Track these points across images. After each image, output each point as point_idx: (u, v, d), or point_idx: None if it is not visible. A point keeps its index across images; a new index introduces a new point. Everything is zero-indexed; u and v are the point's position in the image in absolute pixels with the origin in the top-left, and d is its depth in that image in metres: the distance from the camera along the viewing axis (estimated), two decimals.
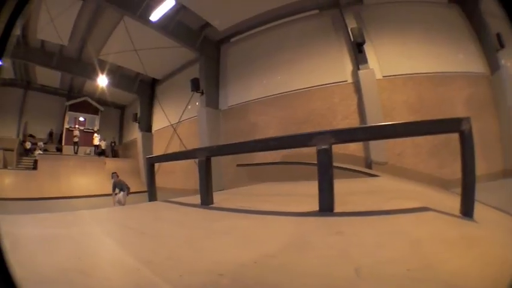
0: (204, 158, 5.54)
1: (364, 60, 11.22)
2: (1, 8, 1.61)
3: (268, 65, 13.06)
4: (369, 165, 10.66)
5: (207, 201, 5.31)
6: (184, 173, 14.65)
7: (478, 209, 3.69)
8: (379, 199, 4.60)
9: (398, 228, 3.05)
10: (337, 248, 2.51)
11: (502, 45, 12.09)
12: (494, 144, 11.71)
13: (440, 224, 3.22)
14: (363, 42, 11.15)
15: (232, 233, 3.36)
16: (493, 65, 12.38)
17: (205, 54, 14.80)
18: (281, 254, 2.44)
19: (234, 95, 14.12)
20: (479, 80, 12.32)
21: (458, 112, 11.14)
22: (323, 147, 3.91)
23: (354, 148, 10.61)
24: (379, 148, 10.52)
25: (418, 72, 11.62)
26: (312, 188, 4.27)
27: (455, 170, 10.35)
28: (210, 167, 5.57)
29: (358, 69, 11.21)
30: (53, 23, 13.58)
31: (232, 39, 14.62)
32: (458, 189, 7.93)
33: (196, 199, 5.60)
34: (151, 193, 7.25)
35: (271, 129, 12.12)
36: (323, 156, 3.93)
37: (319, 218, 3.66)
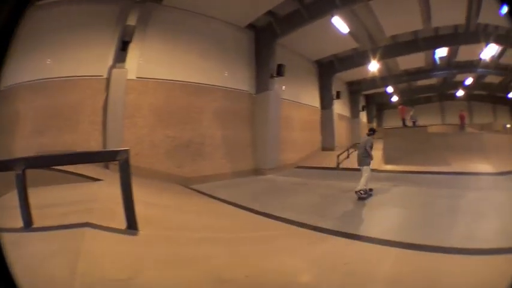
0: None
1: (123, 59, 11.09)
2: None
3: (48, 44, 10.91)
4: (106, 165, 10.42)
5: None
6: None
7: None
8: (66, 211, 4.63)
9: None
10: None
11: (280, 74, 14.93)
12: (246, 149, 14.50)
13: (93, 240, 3.44)
14: (129, 41, 10.95)
15: None
16: (262, 87, 14.92)
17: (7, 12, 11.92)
18: None
19: (13, 73, 10.96)
20: (241, 96, 14.55)
21: (206, 119, 13.11)
22: (17, 172, 4.15)
23: (95, 145, 10.34)
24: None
25: (174, 79, 12.33)
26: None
27: (194, 169, 11.82)
28: None
29: (115, 66, 11.00)
30: None
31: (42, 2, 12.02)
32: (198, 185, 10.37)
33: None
34: None
35: (29, 122, 10.65)
36: (18, 179, 4.15)
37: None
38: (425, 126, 20.27)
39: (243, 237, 4.95)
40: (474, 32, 18.78)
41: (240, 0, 12.97)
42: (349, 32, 16.69)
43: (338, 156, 16.33)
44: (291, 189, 11.35)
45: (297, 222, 6.22)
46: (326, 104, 22.11)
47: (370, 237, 5.34)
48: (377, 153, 16.18)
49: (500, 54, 22.26)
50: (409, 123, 23.76)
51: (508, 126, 29.14)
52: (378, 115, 36.86)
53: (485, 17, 16.96)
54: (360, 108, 29.59)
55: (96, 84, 10.94)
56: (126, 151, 4.34)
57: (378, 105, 36.02)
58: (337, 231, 5.65)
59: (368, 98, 33.07)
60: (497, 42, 19.54)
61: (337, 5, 13.59)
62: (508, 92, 29.09)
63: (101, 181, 8.33)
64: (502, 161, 13.98)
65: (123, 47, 11.01)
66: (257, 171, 14.53)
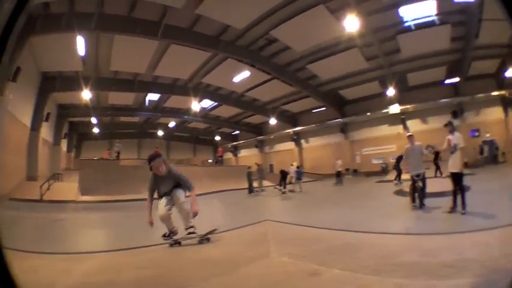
0: None
1: None
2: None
3: None
4: None
5: None
6: None
7: None
8: None
9: None
10: None
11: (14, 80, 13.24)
12: None
13: None
14: None
15: None
16: None
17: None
18: None
19: None
20: None
21: None
22: None
23: None
24: None
25: None
26: None
27: None
28: None
29: None
30: None
31: None
32: None
33: None
34: None
35: None
36: None
37: None
38: (118, 159, 22.79)
39: None
40: (191, 87, 23.50)
41: None
42: (84, 55, 17.27)
43: (41, 186, 15.36)
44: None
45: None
46: (36, 125, 19.32)
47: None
48: (73, 185, 17.22)
49: (214, 107, 29.03)
50: (112, 155, 25.87)
51: (210, 160, 38.01)
52: (77, 145, 35.51)
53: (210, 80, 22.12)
54: (63, 135, 27.67)
55: None
56: None
57: (79, 135, 34.81)
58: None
59: (72, 126, 31.70)
60: (213, 99, 25.97)
61: (92, 26, 14.24)
62: (215, 136, 38.40)
63: None
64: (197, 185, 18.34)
65: None
66: None
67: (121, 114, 30.71)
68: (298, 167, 20.13)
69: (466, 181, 8.66)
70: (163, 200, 6.42)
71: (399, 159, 16.70)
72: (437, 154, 16.39)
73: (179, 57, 18.82)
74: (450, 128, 7.84)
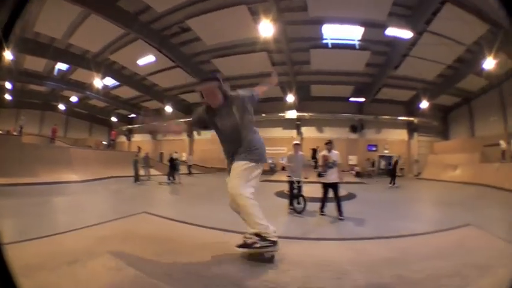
0: None
1: None
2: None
3: None
4: None
5: None
6: None
7: None
8: None
9: None
10: None
11: None
12: None
13: None
14: None
15: None
16: None
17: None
18: None
19: None
20: None
21: None
22: None
23: None
24: None
25: None
26: None
27: None
28: None
29: None
30: None
31: None
32: None
33: None
34: None
35: None
36: None
37: None
38: (20, 135, 21.34)
39: None
40: (98, 62, 23.26)
41: None
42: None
43: None
44: None
45: None
46: None
47: None
48: None
49: (116, 87, 28.62)
50: (16, 130, 24.24)
51: (105, 142, 36.18)
52: None
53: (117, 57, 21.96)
54: None
55: None
56: None
57: None
58: None
59: None
60: (115, 78, 26.27)
61: None
62: (111, 116, 37.11)
63: None
64: (86, 171, 18.18)
65: None
66: None
67: (31, 82, 28.79)
68: (176, 159, 20.40)
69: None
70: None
71: (395, 164, 18.61)
72: (395, 164, 18.51)
73: (95, 28, 18.80)
74: (329, 146, 8.90)
